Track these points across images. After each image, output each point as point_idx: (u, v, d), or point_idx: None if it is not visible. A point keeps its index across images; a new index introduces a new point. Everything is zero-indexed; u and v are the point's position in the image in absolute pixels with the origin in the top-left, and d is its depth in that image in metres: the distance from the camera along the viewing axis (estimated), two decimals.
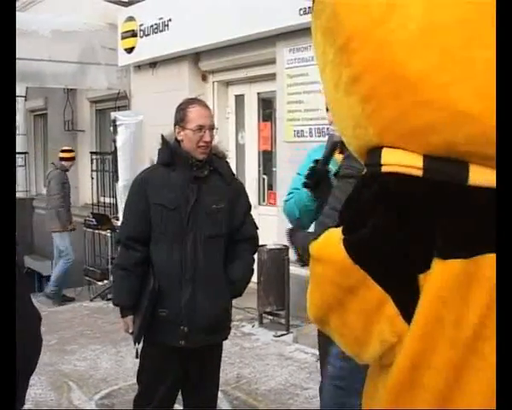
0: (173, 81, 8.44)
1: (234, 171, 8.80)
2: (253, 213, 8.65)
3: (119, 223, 5.46)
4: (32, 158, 13.69)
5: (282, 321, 6.32)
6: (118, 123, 7.55)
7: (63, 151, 8.87)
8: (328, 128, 2.74)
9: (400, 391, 1.18)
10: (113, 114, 7.92)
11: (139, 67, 9.09)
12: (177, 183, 3.07)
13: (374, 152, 1.20)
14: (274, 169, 7.90)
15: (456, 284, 1.12)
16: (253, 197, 8.28)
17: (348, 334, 1.23)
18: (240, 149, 8.52)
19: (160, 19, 8.18)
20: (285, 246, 6.02)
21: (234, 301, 7.66)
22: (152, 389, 3.20)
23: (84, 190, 10.96)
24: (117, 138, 7.74)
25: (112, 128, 7.82)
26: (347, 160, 2.53)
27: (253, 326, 6.46)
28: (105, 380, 4.98)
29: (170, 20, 8.07)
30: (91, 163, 10.16)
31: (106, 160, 9.81)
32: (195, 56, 8.33)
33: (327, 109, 2.71)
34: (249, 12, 6.87)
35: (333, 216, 2.29)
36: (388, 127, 1.17)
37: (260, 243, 7.09)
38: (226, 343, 5.84)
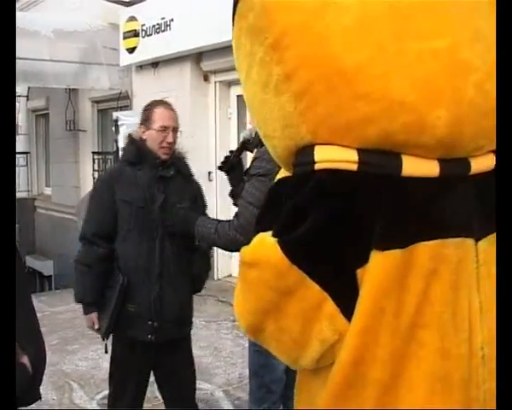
0: (175, 81, 8.44)
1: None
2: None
3: None
4: (34, 158, 13.69)
5: None
6: (120, 123, 7.56)
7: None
8: None
9: (344, 389, 1.17)
10: (115, 114, 7.92)
11: (141, 66, 9.08)
12: (145, 182, 3.16)
13: (305, 151, 1.19)
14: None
15: (395, 274, 1.13)
16: None
17: (286, 339, 1.21)
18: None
19: (162, 19, 8.17)
20: None
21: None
22: (124, 385, 3.33)
23: (86, 189, 10.93)
24: (118, 138, 7.76)
25: (114, 128, 7.83)
26: (257, 161, 2.81)
27: None
28: (107, 380, 4.94)
29: (172, 20, 8.06)
30: (93, 163, 10.19)
31: (108, 159, 9.83)
32: (197, 56, 8.32)
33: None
34: None
35: (247, 207, 2.77)
36: (323, 123, 1.16)
37: None
38: (228, 343, 5.91)
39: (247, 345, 5.89)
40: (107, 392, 4.68)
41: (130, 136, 3.31)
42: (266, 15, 1.19)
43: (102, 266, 3.13)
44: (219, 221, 3.05)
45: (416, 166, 1.15)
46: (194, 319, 6.72)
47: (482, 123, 1.16)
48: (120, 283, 3.06)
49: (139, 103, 9.19)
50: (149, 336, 3.16)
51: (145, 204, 3.16)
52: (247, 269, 1.25)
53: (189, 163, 3.47)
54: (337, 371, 1.18)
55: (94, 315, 3.16)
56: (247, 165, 3.19)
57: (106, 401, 4.53)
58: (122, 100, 9.61)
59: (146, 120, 3.20)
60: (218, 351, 5.73)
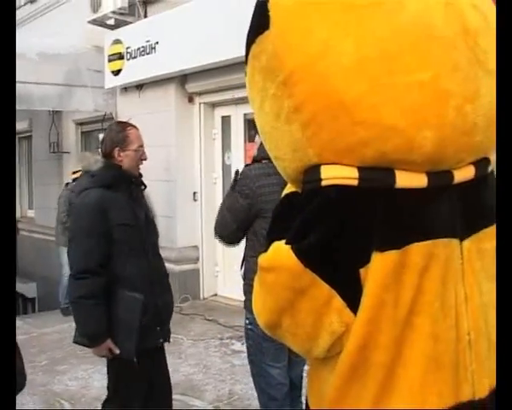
0: (160, 103, 8.55)
1: (221, 192, 8.90)
2: None
3: None
4: (17, 180, 13.68)
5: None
6: None
7: (73, 173, 8.96)
8: None
9: (351, 373, 1.36)
10: (101, 136, 7.97)
11: (126, 89, 9.18)
12: (126, 202, 3.31)
13: (312, 170, 1.38)
14: None
15: (393, 271, 1.32)
16: None
17: (300, 332, 1.39)
18: (226, 169, 8.63)
19: (147, 41, 8.29)
20: None
21: (223, 320, 7.71)
22: (131, 401, 3.35)
23: None
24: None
25: (100, 149, 7.87)
26: (239, 179, 3.20)
27: (242, 344, 6.47)
28: (98, 399, 4.97)
29: (157, 42, 8.18)
30: None
31: None
32: (182, 78, 8.44)
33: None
34: (238, 34, 6.96)
35: (223, 210, 3.35)
36: (327, 147, 1.35)
37: None
38: (217, 361, 5.98)
39: (235, 362, 6.00)
40: None
41: (106, 162, 3.37)
42: (277, 57, 1.38)
43: (104, 293, 3.19)
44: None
45: (408, 180, 1.34)
46: (182, 338, 6.80)
47: (462, 140, 1.36)
48: (140, 303, 3.18)
49: None
50: (160, 341, 3.45)
51: (135, 223, 3.35)
52: (265, 273, 1.42)
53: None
54: (345, 357, 1.36)
55: (109, 342, 3.18)
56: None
57: None
58: (106, 121, 9.67)
59: (122, 141, 3.33)
60: (207, 368, 5.80)
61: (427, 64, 1.29)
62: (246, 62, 1.53)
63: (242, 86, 7.81)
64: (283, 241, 1.39)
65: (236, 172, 3.53)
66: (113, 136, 3.38)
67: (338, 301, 1.33)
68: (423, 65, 1.29)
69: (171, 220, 8.55)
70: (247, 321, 3.16)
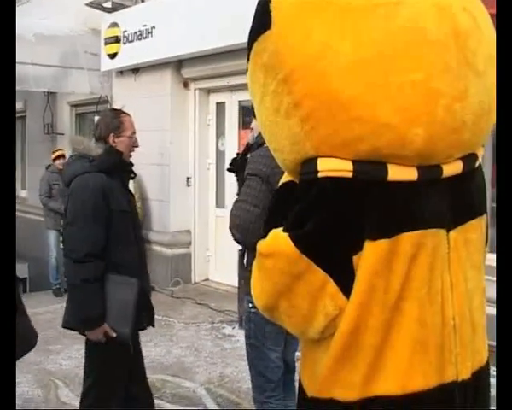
0: (155, 87, 8.58)
1: (214, 177, 8.95)
2: None
3: None
4: None
5: None
6: None
7: (54, 153, 9.02)
8: None
9: (343, 353, 1.45)
10: (97, 118, 8.01)
11: (121, 72, 9.20)
12: (121, 188, 3.38)
13: (309, 162, 1.46)
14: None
15: (384, 259, 1.41)
16: (232, 202, 8.45)
17: (296, 314, 1.48)
18: (220, 155, 8.69)
19: (144, 26, 8.32)
20: None
21: (214, 305, 7.79)
22: (118, 382, 3.42)
23: None
24: None
25: (94, 134, 7.90)
26: (249, 163, 3.16)
27: (233, 328, 6.61)
28: None
29: (154, 27, 8.21)
30: None
31: None
32: (178, 64, 8.48)
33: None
34: (234, 22, 7.03)
35: (240, 206, 3.04)
36: (324, 141, 1.43)
37: (240, 247, 7.27)
38: (208, 344, 6.08)
39: (226, 346, 6.11)
40: None
41: (110, 147, 3.36)
42: (278, 56, 1.46)
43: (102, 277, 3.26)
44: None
45: (399, 173, 1.42)
46: (174, 321, 6.89)
47: (451, 137, 1.44)
48: (137, 287, 3.25)
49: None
50: (144, 324, 3.50)
51: (130, 209, 3.45)
52: (263, 259, 1.51)
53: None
54: (338, 338, 1.45)
55: (106, 326, 3.22)
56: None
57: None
58: (101, 104, 9.71)
59: (117, 128, 3.38)
60: (199, 351, 5.89)
61: (419, 65, 1.37)
62: (248, 59, 1.59)
63: (238, 73, 7.87)
64: (281, 228, 1.48)
65: (237, 154, 3.59)
66: (109, 121, 3.42)
67: (332, 286, 1.42)
68: (415, 66, 1.37)
69: (164, 205, 8.62)
70: (250, 305, 3.22)
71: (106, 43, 9.02)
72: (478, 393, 1.55)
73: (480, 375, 1.56)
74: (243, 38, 6.45)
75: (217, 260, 8.80)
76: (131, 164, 3.53)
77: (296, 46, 1.43)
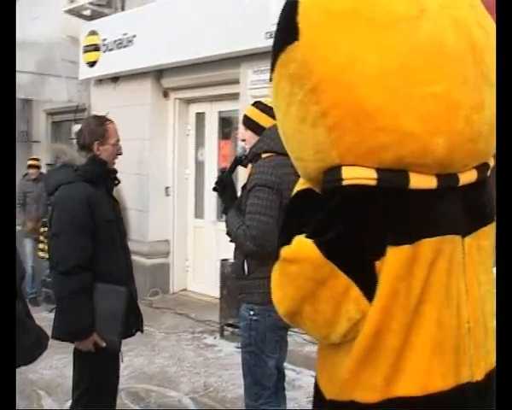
0: (135, 97, 8.56)
1: (193, 187, 8.96)
2: (212, 228, 8.80)
3: None
4: None
5: None
6: None
7: (30, 161, 8.94)
8: None
9: (365, 356, 1.49)
10: (76, 127, 7.95)
11: (100, 81, 9.17)
12: (105, 197, 3.38)
13: (333, 170, 1.50)
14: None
15: (406, 264, 1.45)
16: (211, 213, 8.49)
17: (319, 319, 1.50)
18: (199, 165, 8.70)
19: (125, 34, 8.30)
20: None
21: (193, 315, 7.77)
22: (100, 395, 3.39)
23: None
24: None
25: (77, 142, 7.85)
26: (255, 173, 3.21)
27: (214, 338, 6.61)
28: None
29: (134, 36, 8.20)
30: None
31: None
32: (158, 73, 8.49)
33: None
34: (215, 33, 7.08)
35: (255, 217, 3.09)
36: (349, 149, 1.48)
37: (221, 257, 7.32)
38: (190, 354, 6.07)
39: (208, 356, 6.10)
40: None
41: (94, 157, 3.34)
42: (306, 67, 1.49)
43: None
44: (241, 224, 3.21)
45: (420, 181, 1.47)
46: (154, 331, 6.86)
47: (468, 147, 1.50)
48: (126, 295, 3.25)
49: None
50: (133, 331, 3.50)
51: (115, 217, 3.45)
52: (288, 265, 1.53)
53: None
54: (360, 341, 1.48)
55: (95, 336, 3.20)
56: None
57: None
58: (79, 113, 9.65)
59: (102, 136, 3.36)
60: (181, 361, 5.88)
61: (439, 78, 1.44)
62: (272, 69, 1.64)
63: (218, 84, 7.91)
64: (303, 235, 1.51)
65: (222, 171, 3.61)
66: (93, 129, 3.38)
67: (355, 291, 1.45)
68: (436, 78, 1.43)
69: (142, 214, 8.59)
70: (252, 312, 3.25)
71: (85, 51, 8.98)
72: (489, 393, 1.59)
73: (492, 376, 1.59)
74: (226, 49, 6.60)
75: (195, 270, 8.79)
76: (115, 171, 3.51)
77: (324, 57, 1.47)
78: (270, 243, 2.95)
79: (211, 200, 8.40)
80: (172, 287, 8.80)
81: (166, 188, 8.71)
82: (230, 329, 6.65)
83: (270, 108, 3.44)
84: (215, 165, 8.41)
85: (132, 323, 3.47)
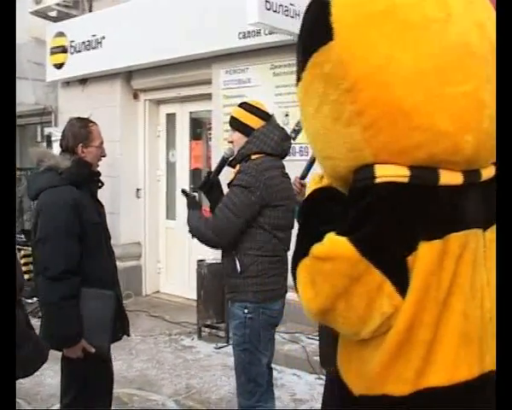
0: (104, 98, 8.46)
1: (164, 189, 8.90)
2: (184, 229, 8.74)
3: None
4: None
5: (221, 334, 6.49)
6: (53, 138, 7.52)
7: None
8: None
9: (398, 349, 1.53)
10: (48, 130, 7.87)
11: (68, 83, 9.04)
12: (90, 199, 3.36)
13: (366, 169, 1.54)
14: (192, 193, 8.08)
15: (437, 258, 1.50)
16: (183, 214, 8.41)
17: (352, 315, 1.53)
18: (170, 166, 8.66)
19: (93, 36, 8.21)
20: None
21: (168, 317, 7.73)
22: (100, 396, 3.41)
23: None
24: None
25: (46, 144, 7.77)
26: (241, 174, 3.31)
27: (192, 339, 6.60)
28: (54, 395, 4.95)
29: (103, 37, 8.12)
30: None
31: (23, 176, 9.60)
32: (128, 75, 8.42)
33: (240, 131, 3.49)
34: (186, 33, 7.06)
35: (223, 210, 3.26)
36: (383, 148, 1.52)
37: (195, 257, 7.30)
38: (169, 356, 6.04)
39: (188, 357, 6.09)
40: (56, 406, 4.73)
41: (79, 160, 3.32)
42: (342, 67, 1.52)
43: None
44: (205, 219, 3.44)
45: (448, 178, 1.52)
46: (130, 334, 6.79)
47: (491, 143, 1.57)
48: (114, 299, 3.24)
49: (66, 120, 9.11)
50: (120, 335, 3.52)
51: (100, 222, 3.43)
52: (322, 263, 1.54)
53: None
54: (393, 335, 1.52)
55: (84, 342, 3.18)
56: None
57: None
58: (46, 115, 9.51)
59: (86, 138, 3.35)
60: (161, 364, 5.85)
61: (469, 77, 1.50)
62: (302, 68, 1.65)
63: (189, 84, 7.89)
64: (333, 232, 1.53)
65: (208, 173, 3.64)
66: (77, 132, 3.37)
67: (388, 286, 1.48)
68: (466, 78, 1.49)
69: (114, 217, 8.48)
70: (246, 311, 3.29)
71: (52, 53, 8.84)
72: None
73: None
74: (198, 50, 6.59)
75: (168, 272, 8.75)
76: (99, 173, 3.48)
77: (362, 57, 1.50)
78: (227, 237, 3.28)
79: (183, 201, 8.33)
80: (145, 289, 8.74)
81: (137, 190, 8.65)
82: (207, 330, 6.66)
83: (257, 109, 3.49)
84: (187, 166, 8.39)
85: (119, 327, 3.45)
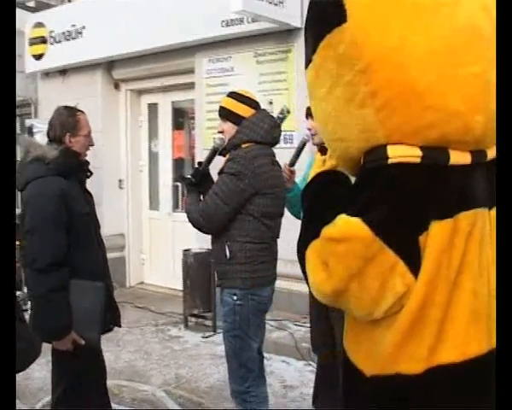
0: (85, 89, 8.38)
1: (147, 179, 8.84)
2: (168, 219, 8.72)
3: None
4: None
5: (208, 323, 6.50)
6: (35, 130, 7.43)
7: None
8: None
9: (411, 328, 1.55)
10: (29, 121, 7.78)
11: (47, 74, 8.94)
12: (79, 190, 3.30)
13: (378, 150, 1.57)
14: (188, 176, 8.05)
15: (449, 237, 1.53)
16: (166, 204, 8.43)
17: (366, 296, 1.54)
18: (153, 156, 8.62)
19: (73, 26, 8.12)
20: (210, 250, 6.21)
21: (154, 307, 7.70)
22: (93, 388, 3.38)
23: None
24: None
25: (27, 135, 7.66)
26: (231, 162, 3.33)
27: (179, 329, 6.59)
28: (42, 389, 4.93)
29: (84, 27, 8.03)
30: None
31: None
32: (109, 65, 8.34)
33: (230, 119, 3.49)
34: (166, 22, 7.01)
35: (212, 197, 3.31)
36: (396, 129, 1.55)
37: (179, 247, 7.28)
38: (156, 347, 6.04)
39: (175, 347, 6.09)
40: (46, 400, 4.72)
41: (67, 149, 3.26)
42: (356, 48, 1.54)
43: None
44: (198, 202, 3.48)
45: (458, 157, 1.56)
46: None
47: (494, 125, 1.59)
48: (103, 291, 3.21)
49: (45, 111, 9.04)
50: (111, 326, 3.49)
51: (89, 212, 3.37)
52: (336, 244, 1.55)
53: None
54: (406, 315, 1.54)
55: (74, 334, 3.14)
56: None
57: (47, 409, 4.54)
58: (25, 107, 9.40)
59: (73, 127, 3.29)
60: (149, 354, 5.83)
61: (478, 58, 1.53)
62: (313, 51, 1.65)
63: (171, 74, 7.84)
64: (344, 214, 1.54)
65: (199, 163, 3.63)
66: (64, 121, 3.30)
67: (401, 266, 1.50)
68: (476, 59, 1.52)
69: (97, 208, 8.39)
70: (235, 297, 3.31)
71: (31, 44, 8.73)
72: None
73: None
74: (176, 39, 6.54)
75: (151, 262, 8.72)
76: (88, 163, 3.43)
77: (375, 39, 1.52)
78: (215, 224, 3.35)
79: (166, 191, 8.35)
80: (129, 281, 8.70)
81: (120, 181, 8.60)
82: (194, 319, 6.66)
83: (247, 98, 3.50)
84: (169, 156, 8.36)
85: (109, 318, 3.42)
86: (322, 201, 1.70)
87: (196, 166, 3.63)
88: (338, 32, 1.56)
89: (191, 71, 7.28)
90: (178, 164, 8.34)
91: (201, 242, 6.58)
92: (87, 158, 3.45)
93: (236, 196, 3.28)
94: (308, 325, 5.46)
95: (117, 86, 8.53)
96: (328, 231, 1.56)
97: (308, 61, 1.69)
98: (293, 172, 3.66)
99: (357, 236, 1.50)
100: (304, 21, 6.28)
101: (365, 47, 1.53)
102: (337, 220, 1.55)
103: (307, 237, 1.64)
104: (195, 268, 6.45)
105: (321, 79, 1.65)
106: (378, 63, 1.52)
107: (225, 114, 3.46)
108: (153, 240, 8.66)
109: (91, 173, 3.47)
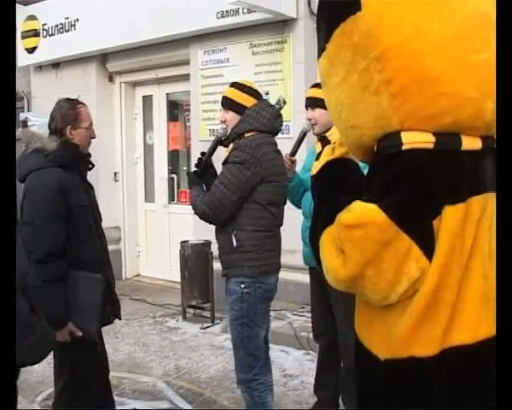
0: (79, 82, 8.33)
1: (142, 171, 8.84)
2: (164, 211, 8.73)
3: None
4: None
5: (206, 314, 6.52)
6: (29, 123, 7.39)
7: None
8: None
9: (425, 311, 1.57)
10: (23, 115, 7.73)
11: (40, 67, 8.90)
12: (79, 182, 3.30)
13: (392, 136, 1.60)
14: (184, 168, 8.07)
15: (461, 221, 1.56)
16: (162, 196, 8.43)
17: (381, 280, 1.56)
18: (148, 149, 8.61)
19: (66, 18, 8.08)
20: (208, 241, 6.25)
21: (150, 299, 7.72)
22: (93, 380, 3.36)
23: None
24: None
25: (21, 129, 7.62)
26: (236, 151, 3.34)
27: (177, 321, 6.61)
28: (42, 382, 4.93)
29: (77, 20, 8.00)
30: None
31: None
32: (103, 57, 8.32)
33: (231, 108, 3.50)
34: (163, 13, 6.99)
35: (218, 187, 3.30)
36: (411, 115, 1.58)
37: (174, 239, 7.27)
38: (155, 338, 6.05)
39: (174, 339, 6.10)
40: (46, 393, 4.72)
41: (66, 141, 3.26)
42: (372, 36, 1.57)
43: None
44: (204, 193, 3.46)
45: (469, 143, 1.59)
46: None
47: None
48: (102, 283, 3.20)
49: (39, 105, 9.01)
50: (111, 318, 3.48)
51: (89, 204, 3.37)
52: (352, 230, 1.56)
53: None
54: (420, 298, 1.57)
55: (71, 325, 3.15)
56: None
57: (47, 403, 4.55)
58: (18, 101, 9.34)
59: (74, 119, 3.29)
60: (147, 346, 5.85)
61: (487, 45, 1.55)
62: (327, 40, 1.67)
63: (166, 65, 7.83)
64: (359, 201, 1.57)
65: (202, 153, 3.63)
66: (65, 113, 3.30)
67: (416, 250, 1.52)
68: (486, 46, 1.55)
69: None
70: (242, 285, 3.33)
71: (23, 37, 8.67)
72: None
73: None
74: (171, 30, 6.52)
75: (147, 255, 8.72)
76: (89, 155, 3.45)
77: (390, 27, 1.55)
78: (223, 214, 3.33)
79: (161, 183, 8.34)
80: (125, 273, 8.71)
81: (115, 173, 8.59)
82: (192, 311, 6.67)
83: (249, 87, 3.53)
84: (165, 148, 8.36)
85: (109, 311, 3.42)
86: (335, 188, 1.72)
87: (199, 156, 3.62)
88: (352, 20, 1.58)
89: (186, 62, 7.27)
90: (174, 156, 8.34)
91: (198, 234, 6.61)
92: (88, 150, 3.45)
93: (243, 184, 3.30)
94: (306, 314, 5.50)
95: (111, 79, 8.51)
96: (344, 216, 1.57)
97: (321, 50, 1.71)
98: (293, 162, 3.70)
99: (374, 221, 1.52)
100: (299, 12, 6.29)
101: (380, 35, 1.55)
102: (353, 206, 1.57)
103: (321, 223, 1.65)
104: (193, 259, 6.46)
105: (335, 67, 1.67)
106: (393, 51, 1.54)
107: (228, 103, 3.48)
108: (148, 232, 8.66)
109: (93, 166, 3.47)
